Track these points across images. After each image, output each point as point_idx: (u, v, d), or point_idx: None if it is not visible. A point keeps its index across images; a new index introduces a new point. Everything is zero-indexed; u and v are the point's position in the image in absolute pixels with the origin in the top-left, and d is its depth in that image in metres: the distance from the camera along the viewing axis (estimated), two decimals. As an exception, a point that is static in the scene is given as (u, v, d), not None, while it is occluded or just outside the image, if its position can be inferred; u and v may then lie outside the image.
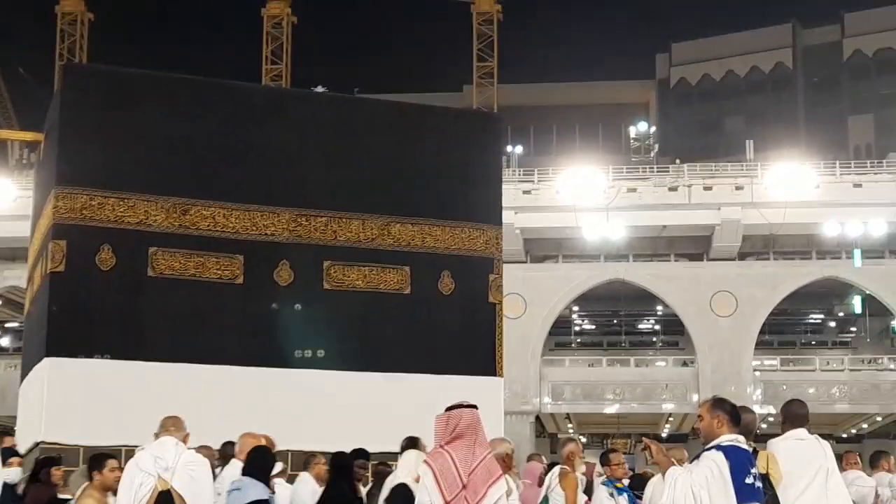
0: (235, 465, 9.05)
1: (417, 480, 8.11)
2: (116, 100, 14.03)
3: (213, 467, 9.46)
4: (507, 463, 8.20)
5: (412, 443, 9.46)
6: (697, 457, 6.70)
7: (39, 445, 12.58)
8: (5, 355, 41.18)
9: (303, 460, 10.84)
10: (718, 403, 6.72)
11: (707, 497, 6.40)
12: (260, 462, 8.20)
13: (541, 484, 10.64)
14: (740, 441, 6.55)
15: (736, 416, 6.64)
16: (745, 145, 41.15)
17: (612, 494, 9.72)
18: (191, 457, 8.22)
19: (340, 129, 15.03)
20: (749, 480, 6.42)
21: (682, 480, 6.51)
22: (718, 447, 6.50)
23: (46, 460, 11.11)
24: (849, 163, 38.49)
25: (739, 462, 6.44)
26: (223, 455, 10.45)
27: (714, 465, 6.44)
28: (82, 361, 13.00)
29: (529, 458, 13.96)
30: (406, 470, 8.44)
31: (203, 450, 9.36)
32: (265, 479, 8.09)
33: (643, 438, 7.32)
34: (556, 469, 10.07)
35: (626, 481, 9.97)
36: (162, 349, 13.35)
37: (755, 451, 7.00)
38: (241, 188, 14.23)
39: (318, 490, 9.78)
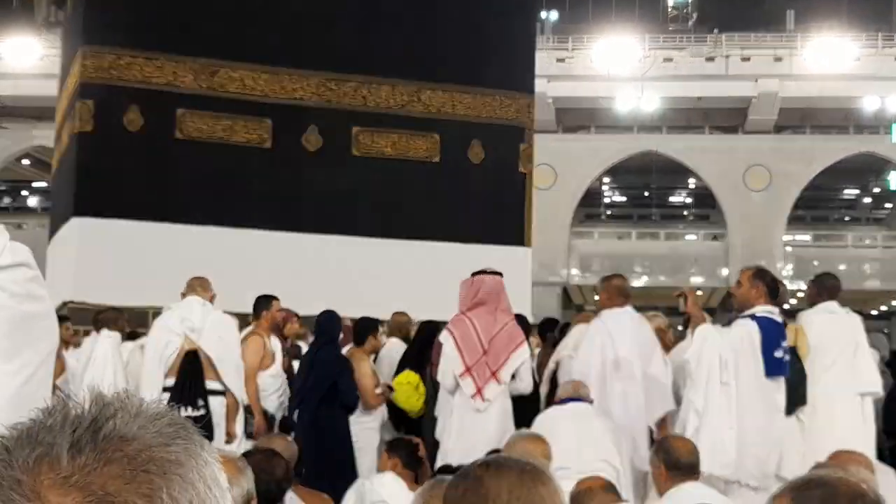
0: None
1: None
2: (145, -44, 13.79)
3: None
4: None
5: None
6: (729, 322, 6.65)
7: (67, 305, 12.69)
8: (34, 215, 41.50)
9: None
10: (760, 274, 6.65)
11: (733, 363, 6.36)
12: None
13: None
14: (774, 313, 6.49)
15: (775, 289, 6.59)
16: (785, 16, 40.27)
17: None
18: (218, 317, 8.24)
19: (371, -9, 14.74)
20: (778, 354, 6.38)
21: (713, 341, 6.44)
22: (753, 317, 6.43)
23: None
24: (891, 35, 37.57)
25: (771, 334, 6.39)
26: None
27: (746, 333, 6.38)
28: (110, 222, 13.03)
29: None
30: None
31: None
32: None
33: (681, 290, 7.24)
34: None
35: None
36: (189, 211, 13.35)
37: (784, 324, 6.94)
38: (270, 51, 14.04)
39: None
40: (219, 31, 13.89)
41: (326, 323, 8.61)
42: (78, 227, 13.09)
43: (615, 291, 7.24)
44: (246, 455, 4.48)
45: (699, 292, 38.88)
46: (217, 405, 8.09)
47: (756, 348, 6.35)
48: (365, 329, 9.01)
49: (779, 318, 6.53)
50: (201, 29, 13.81)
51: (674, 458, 4.83)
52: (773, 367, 6.37)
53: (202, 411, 7.92)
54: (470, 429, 6.90)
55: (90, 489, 0.91)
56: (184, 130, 13.59)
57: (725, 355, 6.36)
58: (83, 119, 13.20)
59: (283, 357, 9.01)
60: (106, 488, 0.91)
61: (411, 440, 6.30)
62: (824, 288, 7.35)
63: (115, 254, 12.89)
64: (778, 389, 6.48)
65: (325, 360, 8.20)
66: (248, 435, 8.32)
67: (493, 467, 1.68)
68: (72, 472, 0.91)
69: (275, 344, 8.81)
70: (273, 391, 8.62)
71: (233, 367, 8.25)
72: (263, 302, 8.82)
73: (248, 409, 8.41)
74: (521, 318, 7.89)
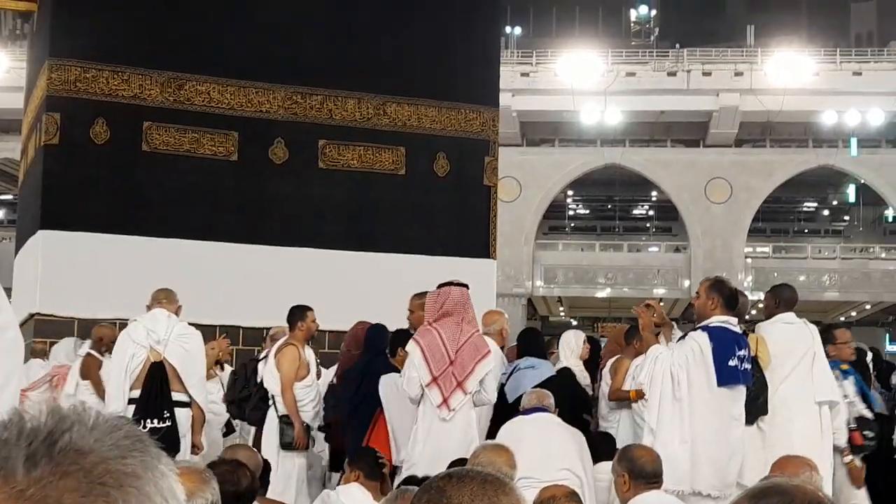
0: None
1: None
2: (111, -31, 13.81)
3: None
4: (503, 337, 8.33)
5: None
6: (683, 336, 6.76)
7: (34, 317, 12.68)
8: (0, 227, 41.22)
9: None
10: (717, 285, 6.73)
11: (685, 378, 6.46)
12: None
13: None
14: (731, 323, 6.57)
15: (732, 300, 6.66)
16: (746, 31, 40.71)
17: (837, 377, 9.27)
18: (183, 329, 8.29)
19: (338, 5, 14.83)
20: (733, 363, 6.43)
21: (662, 360, 6.57)
22: (705, 328, 6.54)
23: None
24: (849, 50, 38.05)
25: (724, 343, 6.46)
26: None
27: (696, 345, 6.48)
28: (76, 234, 13.03)
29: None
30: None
31: None
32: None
33: (647, 302, 7.33)
34: None
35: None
36: (155, 224, 13.36)
37: (745, 334, 7.07)
38: (237, 64, 14.08)
39: None
40: (185, 44, 13.92)
41: (377, 336, 8.65)
42: (44, 240, 13.07)
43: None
44: (211, 465, 4.52)
45: (661, 303, 39.11)
46: (183, 416, 8.13)
47: (707, 358, 6.43)
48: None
49: (735, 328, 6.63)
50: (168, 42, 13.84)
51: (637, 467, 4.94)
52: (726, 376, 6.43)
53: (168, 423, 7.96)
54: (436, 438, 6.99)
55: (46, 502, 0.90)
56: (150, 143, 13.61)
57: (676, 371, 6.47)
58: (49, 132, 13.19)
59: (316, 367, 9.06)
60: (62, 501, 0.90)
61: (374, 452, 6.37)
62: (781, 299, 7.49)
63: (81, 266, 12.88)
64: (735, 398, 6.56)
65: (377, 373, 8.13)
66: (286, 446, 8.37)
67: (456, 478, 1.76)
68: (27, 486, 0.90)
69: (309, 354, 8.84)
70: (308, 401, 8.60)
71: (198, 378, 8.30)
72: (298, 313, 8.83)
73: (283, 420, 8.45)
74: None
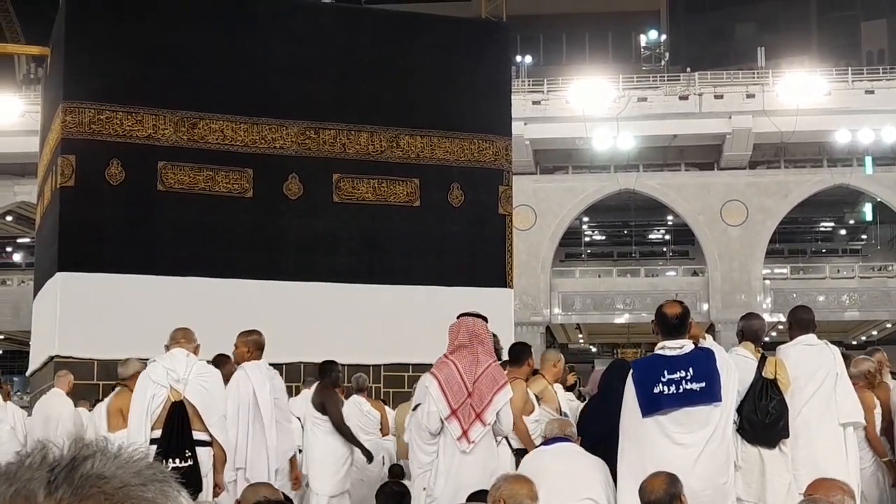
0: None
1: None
2: (122, 12, 13.94)
3: None
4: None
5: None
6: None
7: (53, 360, 12.71)
8: (18, 271, 41.38)
9: (313, 372, 10.94)
10: (657, 312, 6.58)
11: (629, 418, 6.30)
12: None
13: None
14: (668, 347, 6.36)
15: (670, 324, 6.42)
16: (756, 53, 40.70)
17: None
18: (202, 368, 8.28)
19: (347, 40, 14.91)
20: (658, 389, 6.19)
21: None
22: (635, 360, 6.41)
23: None
24: (861, 69, 38.02)
25: (647, 372, 6.26)
26: None
27: (629, 379, 6.35)
28: (94, 276, 13.08)
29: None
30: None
31: None
32: None
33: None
34: None
35: None
36: (172, 263, 13.42)
37: (763, 358, 7.01)
38: (249, 102, 14.17)
39: None
40: (198, 83, 14.02)
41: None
42: (62, 282, 13.12)
43: None
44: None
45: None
46: (205, 456, 8.11)
47: (630, 394, 6.28)
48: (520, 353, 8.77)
49: (669, 352, 6.36)
50: (180, 81, 13.94)
51: (643, 498, 4.89)
52: (654, 404, 6.23)
53: (190, 462, 7.95)
54: (457, 471, 6.96)
55: None
56: (166, 183, 13.68)
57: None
58: (65, 174, 13.28)
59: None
60: None
61: (396, 486, 6.35)
62: (798, 321, 7.43)
63: (100, 307, 12.93)
64: (682, 421, 6.28)
65: None
66: None
67: None
68: None
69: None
70: (537, 435, 8.51)
71: (218, 416, 8.27)
72: (526, 350, 8.66)
73: (517, 452, 8.32)
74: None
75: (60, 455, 0.96)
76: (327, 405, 9.65)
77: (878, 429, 8.56)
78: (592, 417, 7.60)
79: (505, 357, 8.45)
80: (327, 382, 9.81)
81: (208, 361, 8.79)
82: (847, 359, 9.34)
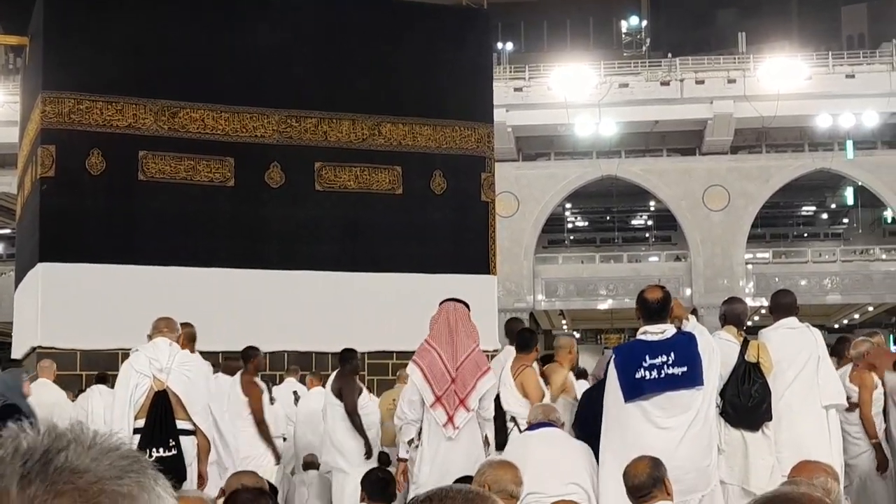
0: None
1: None
2: (101, 1, 13.85)
3: None
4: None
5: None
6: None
7: (36, 350, 12.66)
8: (-1, 262, 41.18)
9: (296, 360, 10.94)
10: (638, 296, 6.62)
11: (611, 399, 6.33)
12: None
13: None
14: (649, 332, 6.37)
15: (651, 308, 6.44)
16: (737, 38, 40.74)
17: None
18: (185, 357, 8.27)
19: (328, 28, 14.88)
20: (640, 374, 6.22)
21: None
22: (617, 346, 6.47)
23: None
24: (841, 53, 38.09)
25: (630, 357, 6.29)
26: None
27: (611, 366, 6.38)
28: (75, 266, 13.04)
29: None
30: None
31: None
32: None
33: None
34: None
35: None
36: (154, 253, 13.38)
37: (746, 341, 7.03)
38: (230, 90, 14.13)
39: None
40: (178, 72, 13.96)
41: None
42: (43, 273, 13.08)
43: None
44: (232, 494, 4.47)
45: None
46: (188, 445, 8.10)
47: (612, 379, 6.31)
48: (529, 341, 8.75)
49: (650, 337, 6.37)
50: (160, 71, 13.88)
51: (627, 482, 4.90)
52: (637, 389, 6.25)
53: (174, 451, 7.93)
54: (442, 458, 6.97)
55: None
56: (146, 172, 13.63)
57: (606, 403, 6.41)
58: (45, 165, 13.22)
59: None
60: None
61: (381, 473, 6.35)
62: (780, 305, 7.47)
63: (81, 297, 12.89)
64: (664, 405, 6.29)
65: None
66: None
67: (437, 499, 1.76)
68: None
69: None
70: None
71: (201, 405, 8.26)
72: (533, 337, 8.63)
73: None
74: None
75: (33, 445, 0.93)
76: (344, 392, 9.67)
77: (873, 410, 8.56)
78: (595, 402, 7.61)
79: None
80: (347, 370, 9.83)
81: (234, 356, 8.75)
82: (847, 341, 9.44)
